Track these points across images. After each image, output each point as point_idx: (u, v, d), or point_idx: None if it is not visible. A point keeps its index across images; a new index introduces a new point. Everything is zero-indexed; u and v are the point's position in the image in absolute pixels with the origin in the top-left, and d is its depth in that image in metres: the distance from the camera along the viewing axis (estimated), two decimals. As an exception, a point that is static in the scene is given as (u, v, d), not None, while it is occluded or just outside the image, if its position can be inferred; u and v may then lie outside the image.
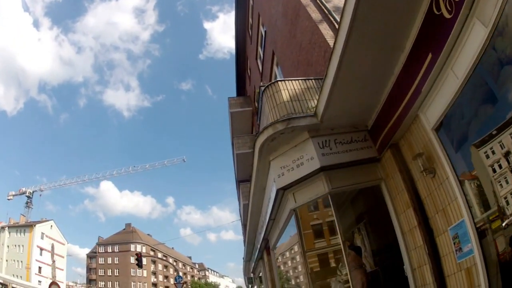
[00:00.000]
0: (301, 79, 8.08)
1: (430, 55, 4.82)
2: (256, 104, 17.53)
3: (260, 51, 17.28)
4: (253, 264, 18.40)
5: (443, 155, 5.18)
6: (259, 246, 13.45)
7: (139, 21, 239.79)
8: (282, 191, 7.89)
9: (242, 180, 18.70)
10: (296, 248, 9.60)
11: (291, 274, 11.44)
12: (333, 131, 7.13)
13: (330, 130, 7.11)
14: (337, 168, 6.99)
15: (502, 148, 4.23)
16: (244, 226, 21.67)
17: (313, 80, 7.95)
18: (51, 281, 68.69)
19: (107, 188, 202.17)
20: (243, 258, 20.62)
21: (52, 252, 67.04)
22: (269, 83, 8.21)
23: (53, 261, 64.69)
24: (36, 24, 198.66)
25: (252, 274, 20.25)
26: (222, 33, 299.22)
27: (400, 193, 6.35)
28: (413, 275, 6.21)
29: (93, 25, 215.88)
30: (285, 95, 7.58)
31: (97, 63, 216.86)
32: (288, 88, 7.74)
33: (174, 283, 28.40)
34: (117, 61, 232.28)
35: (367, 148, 7.09)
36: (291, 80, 8.01)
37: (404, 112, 5.78)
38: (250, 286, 24.51)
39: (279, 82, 7.89)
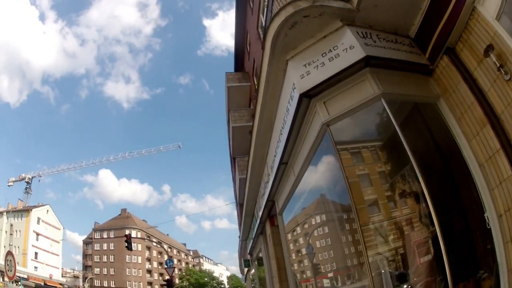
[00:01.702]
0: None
1: None
2: (255, 79, 16.96)
3: (262, 19, 15.91)
4: (250, 243, 16.94)
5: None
6: (260, 214, 11.29)
7: (142, 15, 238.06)
8: (307, 101, 5.62)
9: (238, 156, 17.53)
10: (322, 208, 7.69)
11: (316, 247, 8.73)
12: (371, 28, 5.29)
13: (368, 26, 5.28)
14: (385, 67, 5.17)
15: None
16: (240, 205, 20.34)
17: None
18: (47, 266, 68.57)
19: (105, 176, 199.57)
20: (239, 237, 18.72)
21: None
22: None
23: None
24: (42, 18, 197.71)
25: (249, 256, 18.16)
26: (220, 31, 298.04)
27: (469, 109, 4.63)
28: (500, 225, 4.19)
29: (96, 18, 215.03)
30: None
31: (99, 55, 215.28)
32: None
33: (165, 268, 27.20)
34: (119, 54, 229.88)
35: (416, 54, 5.36)
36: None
37: (457, 7, 4.49)
38: (246, 270, 22.72)
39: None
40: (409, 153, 4.63)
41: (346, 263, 7.16)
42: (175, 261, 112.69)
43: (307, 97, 5.57)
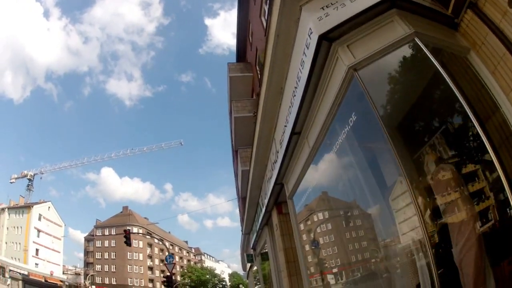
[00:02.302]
0: None
1: None
2: (258, 69, 15.49)
3: (265, 7, 14.89)
4: (253, 237, 15.86)
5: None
6: (266, 202, 10.13)
7: (146, 13, 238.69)
8: (327, 45, 4.67)
9: (240, 147, 16.58)
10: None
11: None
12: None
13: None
14: (411, 11, 4.52)
15: None
16: (242, 199, 19.69)
17: None
18: (48, 263, 67.67)
19: (108, 174, 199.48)
20: (242, 231, 17.60)
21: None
22: None
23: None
24: (47, 14, 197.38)
25: (252, 251, 16.90)
26: (222, 30, 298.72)
27: (502, 60, 4.03)
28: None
29: (100, 16, 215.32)
30: None
31: (102, 53, 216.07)
32: None
33: (165, 264, 26.24)
34: (122, 52, 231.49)
35: (439, 7, 4.73)
36: None
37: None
38: (249, 266, 21.63)
39: None
40: (460, 98, 3.65)
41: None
42: (177, 258, 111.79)
43: (327, 40, 4.59)
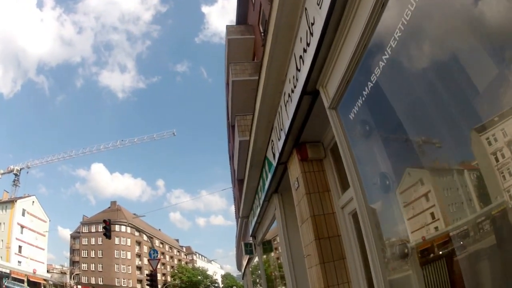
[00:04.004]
0: None
1: None
2: (261, 28, 13.11)
3: None
4: (253, 222, 11.62)
5: None
6: (280, 146, 6.12)
7: (142, 1, 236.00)
8: None
9: (238, 114, 14.87)
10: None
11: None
12: None
13: None
14: None
15: None
16: (239, 182, 16.94)
17: None
18: (31, 261, 63.32)
19: (98, 170, 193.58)
20: (239, 216, 13.08)
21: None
22: None
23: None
24: (40, 4, 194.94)
25: (251, 239, 12.86)
26: (219, 17, 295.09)
27: None
28: None
29: (95, 5, 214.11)
30: None
31: (96, 43, 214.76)
32: None
33: (148, 259, 22.39)
34: (116, 42, 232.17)
35: None
36: None
37: None
38: (247, 260, 16.61)
39: None
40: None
41: None
42: (167, 257, 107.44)
43: None
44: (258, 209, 9.73)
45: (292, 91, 4.94)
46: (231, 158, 27.10)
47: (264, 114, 6.57)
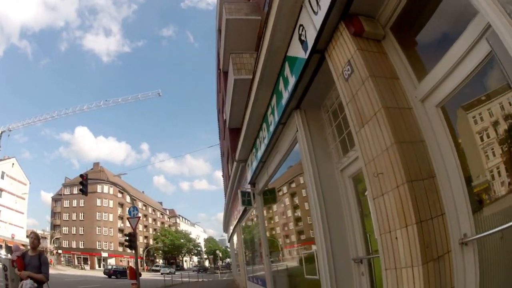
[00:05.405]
0: None
1: None
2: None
3: None
4: (253, 166, 9.28)
5: None
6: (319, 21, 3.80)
7: None
8: None
9: (234, 52, 13.51)
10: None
11: None
12: None
13: None
14: None
15: None
16: (232, 130, 16.27)
17: None
18: (10, 226, 60.78)
19: (82, 133, 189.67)
20: (235, 159, 10.84)
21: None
22: None
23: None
24: None
25: (251, 187, 10.34)
26: None
27: None
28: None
29: None
30: None
31: (81, 7, 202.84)
32: None
33: (127, 218, 20.20)
34: (102, 6, 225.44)
35: None
36: None
37: None
38: (241, 212, 14.61)
39: None
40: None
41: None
42: (150, 220, 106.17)
43: None
44: (263, 146, 7.55)
45: None
46: (220, 110, 25.24)
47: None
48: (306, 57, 4.43)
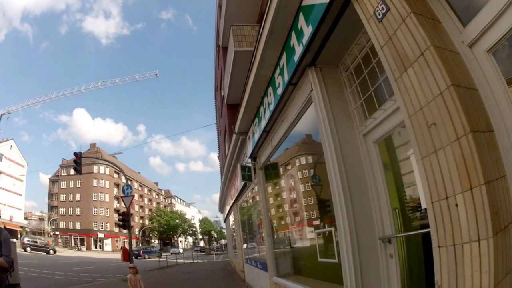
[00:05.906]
0: None
1: None
2: None
3: None
4: (255, 138, 8.56)
5: None
6: None
7: None
8: None
9: (234, 24, 13.03)
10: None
11: None
12: None
13: None
14: None
15: None
16: (230, 106, 16.19)
17: None
18: (8, 208, 60.06)
19: (80, 116, 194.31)
20: (234, 132, 10.08)
21: None
22: None
23: None
24: None
25: (252, 161, 9.53)
26: None
27: None
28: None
29: None
30: None
31: None
32: None
33: (121, 196, 19.63)
34: None
35: None
36: None
37: None
38: (240, 187, 12.59)
39: None
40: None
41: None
42: (146, 201, 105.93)
43: None
44: (268, 113, 6.86)
45: None
46: (218, 88, 24.62)
47: None
48: (328, 0, 3.71)
